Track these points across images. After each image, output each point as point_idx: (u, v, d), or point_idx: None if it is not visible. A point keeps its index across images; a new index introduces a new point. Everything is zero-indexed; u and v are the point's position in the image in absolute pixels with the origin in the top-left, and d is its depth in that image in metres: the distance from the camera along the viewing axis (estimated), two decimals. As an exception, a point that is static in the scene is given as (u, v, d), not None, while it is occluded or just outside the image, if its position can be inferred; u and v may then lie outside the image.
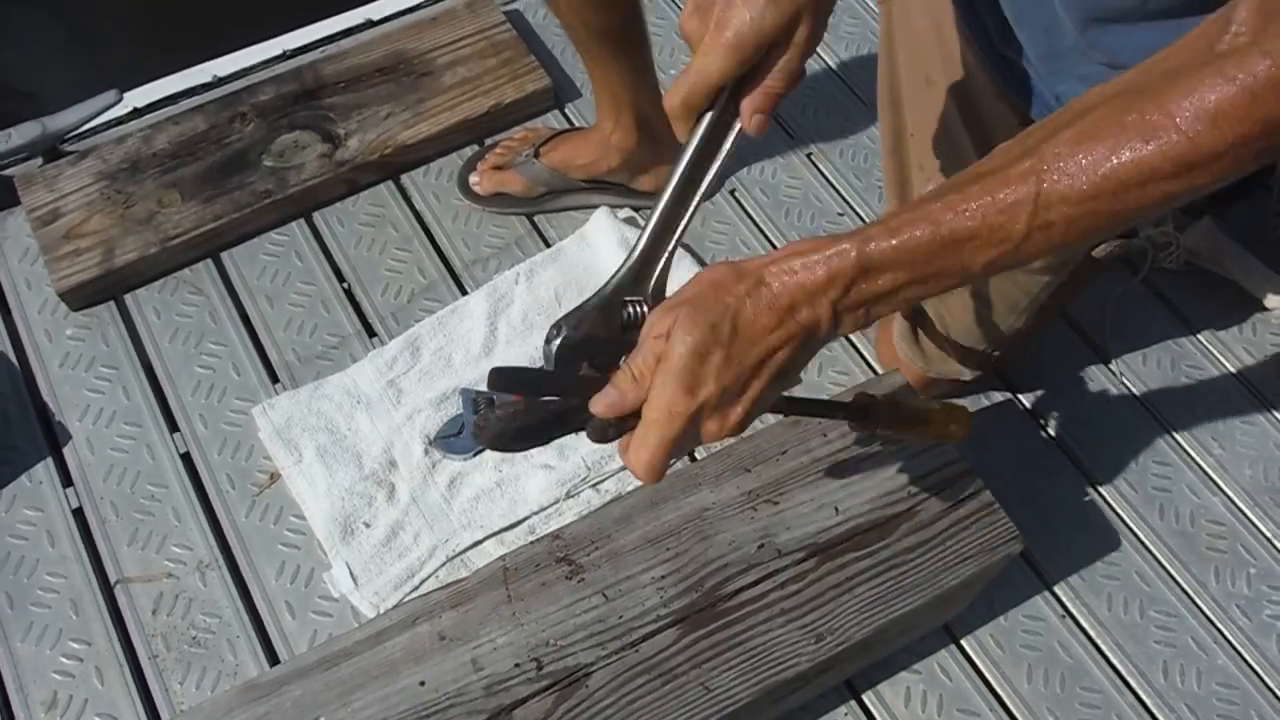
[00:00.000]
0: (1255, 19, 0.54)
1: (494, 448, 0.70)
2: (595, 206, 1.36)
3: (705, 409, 0.63)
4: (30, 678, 1.06)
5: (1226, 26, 0.55)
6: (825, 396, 1.04)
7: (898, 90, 0.98)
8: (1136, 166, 0.56)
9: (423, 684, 0.87)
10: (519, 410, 0.68)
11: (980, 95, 0.94)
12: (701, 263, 1.33)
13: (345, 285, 1.33)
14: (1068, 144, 0.58)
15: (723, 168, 0.72)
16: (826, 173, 1.45)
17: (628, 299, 0.71)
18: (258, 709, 0.85)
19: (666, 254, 0.72)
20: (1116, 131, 0.56)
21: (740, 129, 0.70)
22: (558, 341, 0.69)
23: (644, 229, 0.71)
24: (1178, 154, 0.55)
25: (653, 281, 0.72)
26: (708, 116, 0.70)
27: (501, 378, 0.65)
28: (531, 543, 0.95)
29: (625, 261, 0.72)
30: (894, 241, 0.61)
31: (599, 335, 0.70)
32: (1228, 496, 1.22)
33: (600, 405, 0.65)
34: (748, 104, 0.68)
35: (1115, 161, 0.56)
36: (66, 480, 1.18)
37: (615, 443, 0.68)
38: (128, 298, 1.30)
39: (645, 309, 0.71)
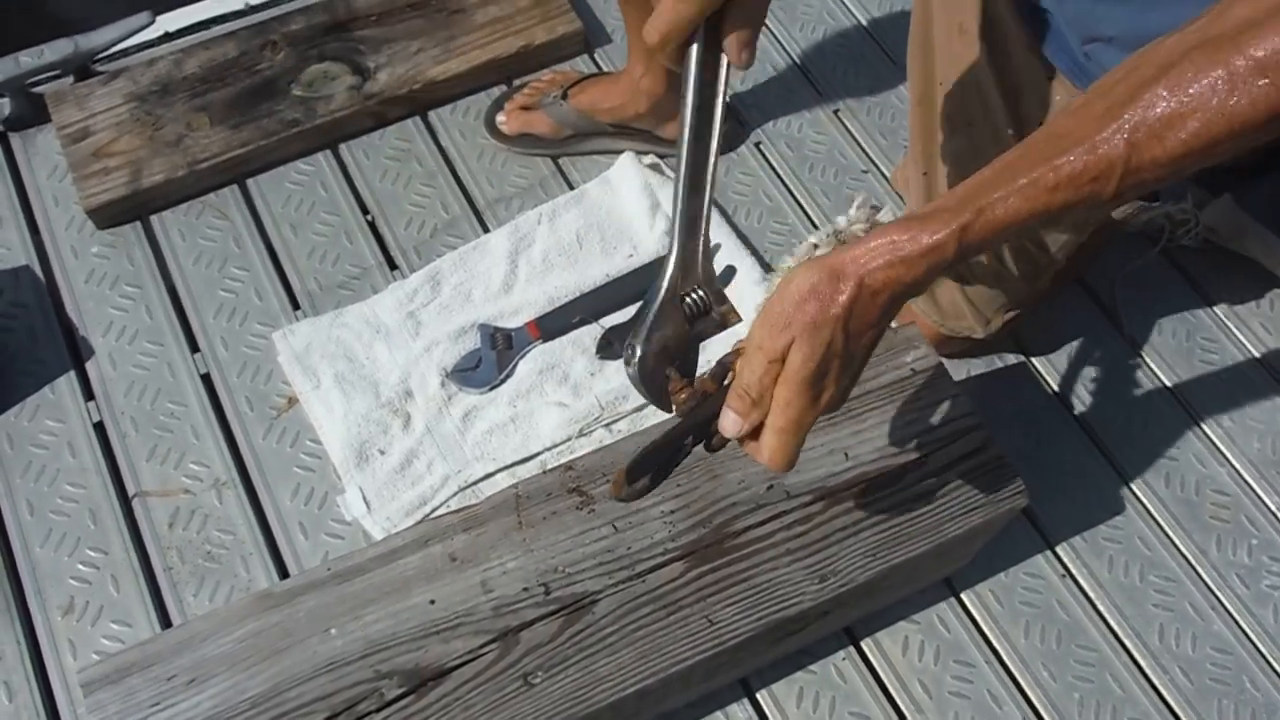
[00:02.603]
0: None
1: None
2: (621, 151, 1.36)
3: (829, 406, 0.69)
4: (48, 582, 1.08)
5: None
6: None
7: (930, 36, 0.98)
8: (1229, 122, 0.56)
9: (433, 602, 0.88)
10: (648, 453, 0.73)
11: (1012, 49, 0.94)
12: (723, 212, 1.34)
13: (369, 217, 1.33)
14: (1155, 104, 0.58)
15: (725, 119, 0.72)
16: (853, 129, 1.45)
17: (683, 293, 0.73)
18: (271, 617, 0.87)
19: (703, 238, 0.73)
20: (1205, 88, 0.56)
21: (729, 66, 0.69)
22: (636, 362, 0.71)
23: (674, 212, 0.72)
24: (1268, 103, 0.55)
25: (699, 268, 0.74)
26: (694, 51, 0.68)
27: (639, 469, 0.72)
28: (544, 472, 0.96)
29: (669, 257, 0.73)
30: (992, 225, 0.62)
31: (669, 336, 0.73)
32: (1234, 468, 1.23)
33: (730, 430, 0.70)
34: (733, 38, 0.67)
35: (1205, 120, 0.56)
36: (89, 394, 1.19)
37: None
38: (154, 219, 1.31)
39: (702, 294, 0.73)
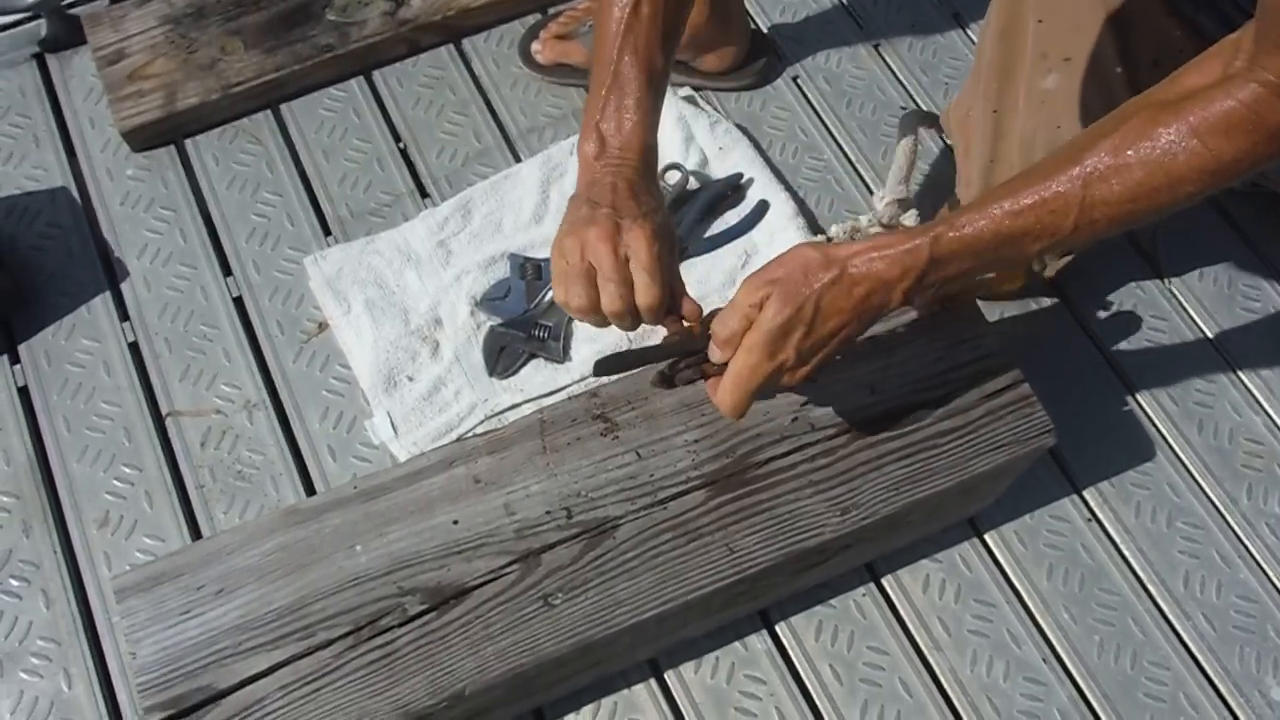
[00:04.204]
0: (1250, 46, 0.65)
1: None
2: (655, 82, 1.34)
3: (782, 369, 0.77)
4: (84, 497, 1.11)
5: (1236, 51, 0.66)
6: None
7: None
8: (1166, 175, 0.67)
9: (456, 522, 0.90)
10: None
11: None
12: (757, 146, 1.32)
13: (401, 145, 1.33)
14: (1108, 153, 0.69)
15: None
16: (893, 65, 1.42)
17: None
18: (298, 532, 0.89)
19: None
20: (1148, 144, 0.67)
21: None
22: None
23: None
24: (1200, 163, 0.66)
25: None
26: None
27: (607, 365, 0.82)
28: (569, 399, 0.97)
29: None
30: (960, 239, 0.73)
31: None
32: (1270, 417, 1.21)
33: (713, 355, 0.80)
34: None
35: (1147, 171, 0.67)
36: (123, 315, 1.21)
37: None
38: (188, 143, 1.31)
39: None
